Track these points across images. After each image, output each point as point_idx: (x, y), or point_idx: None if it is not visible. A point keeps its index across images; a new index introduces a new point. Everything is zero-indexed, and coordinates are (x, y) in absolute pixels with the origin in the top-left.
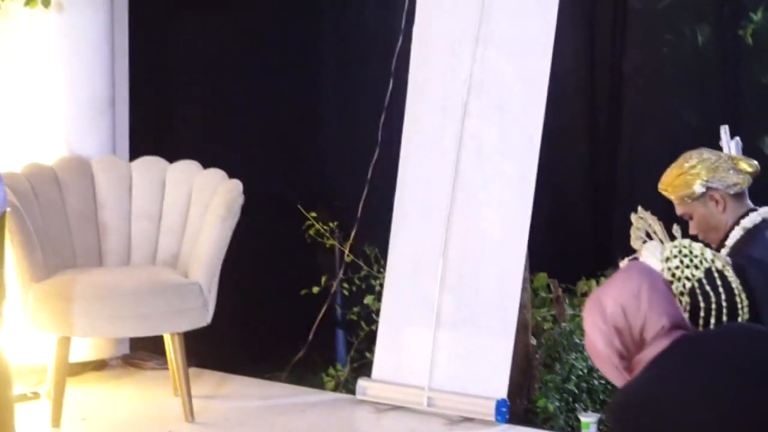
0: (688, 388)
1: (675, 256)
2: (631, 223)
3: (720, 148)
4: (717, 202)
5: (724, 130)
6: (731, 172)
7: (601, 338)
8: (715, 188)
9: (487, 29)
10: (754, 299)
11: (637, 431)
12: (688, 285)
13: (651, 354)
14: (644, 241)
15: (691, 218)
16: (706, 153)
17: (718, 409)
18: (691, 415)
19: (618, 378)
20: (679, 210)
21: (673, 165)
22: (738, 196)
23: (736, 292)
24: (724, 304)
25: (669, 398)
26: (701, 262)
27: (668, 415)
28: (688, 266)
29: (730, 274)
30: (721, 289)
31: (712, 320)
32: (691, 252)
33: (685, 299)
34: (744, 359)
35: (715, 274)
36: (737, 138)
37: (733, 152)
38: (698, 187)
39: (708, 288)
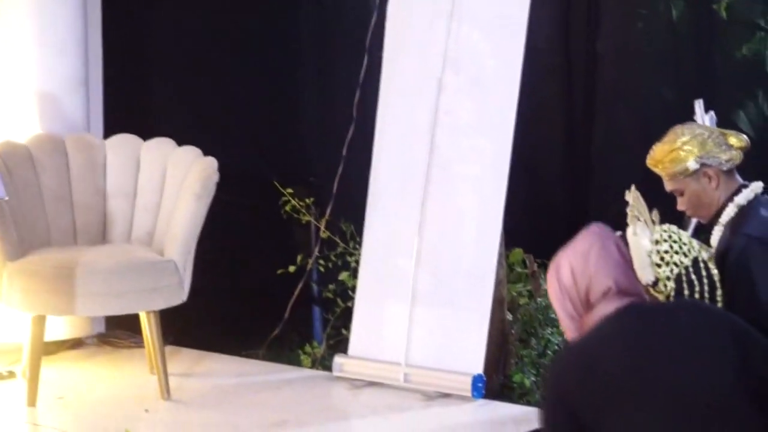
0: (626, 354)
1: (665, 240)
2: (610, 195)
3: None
4: (710, 178)
5: (699, 105)
6: (723, 147)
7: (556, 302)
8: (708, 164)
9: (461, 5)
10: (751, 281)
11: (567, 390)
12: (676, 271)
13: (597, 316)
14: (637, 218)
15: (681, 195)
16: (698, 128)
17: (651, 379)
18: (623, 382)
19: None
20: (669, 186)
21: (664, 140)
22: (730, 172)
23: (717, 285)
24: (706, 295)
25: (604, 361)
26: (689, 251)
27: (600, 378)
28: (677, 252)
29: (713, 266)
30: (705, 280)
31: None
32: (680, 239)
33: (671, 284)
34: (688, 333)
35: (701, 264)
36: (711, 112)
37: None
38: (692, 164)
39: (693, 277)
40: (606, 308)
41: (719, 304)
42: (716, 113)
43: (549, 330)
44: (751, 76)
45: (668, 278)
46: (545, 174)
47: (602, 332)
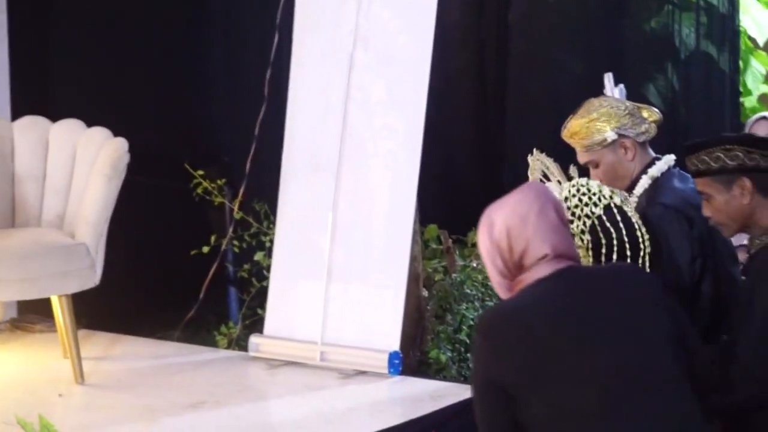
0: (557, 311)
1: (573, 195)
2: (523, 168)
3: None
4: (627, 149)
5: (608, 78)
6: (638, 120)
7: (485, 254)
8: (626, 136)
9: None
10: (670, 247)
11: (497, 343)
12: (588, 223)
13: (532, 277)
14: (541, 182)
15: (596, 166)
16: (614, 101)
17: (580, 339)
18: (549, 334)
19: (503, 295)
20: (584, 158)
21: (579, 113)
22: (644, 145)
23: (636, 226)
24: (625, 239)
25: (535, 317)
26: (600, 199)
27: (529, 332)
28: (587, 204)
29: (629, 209)
30: (621, 225)
31: (614, 255)
32: (589, 190)
33: (587, 237)
34: (622, 287)
35: (614, 210)
36: (621, 85)
37: None
38: (611, 134)
39: (608, 224)
40: (541, 271)
41: (643, 245)
42: (626, 86)
43: (464, 305)
44: (661, 49)
45: (583, 232)
46: (459, 149)
47: (536, 293)
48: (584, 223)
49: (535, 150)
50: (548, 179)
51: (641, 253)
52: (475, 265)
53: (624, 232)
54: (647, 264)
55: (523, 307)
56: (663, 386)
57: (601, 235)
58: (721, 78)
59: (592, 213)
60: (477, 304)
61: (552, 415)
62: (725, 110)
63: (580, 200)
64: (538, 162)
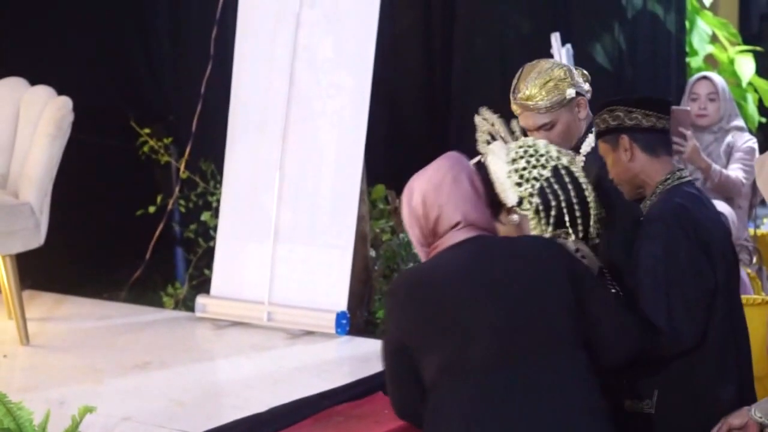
0: (458, 274)
1: (521, 157)
2: (469, 128)
3: (551, 56)
4: (580, 107)
5: (555, 38)
6: (581, 77)
7: (406, 221)
8: (581, 93)
9: None
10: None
11: (403, 305)
12: (537, 185)
13: (445, 244)
14: (488, 143)
15: (551, 128)
16: (556, 62)
17: (484, 289)
18: (448, 296)
19: (424, 261)
20: (542, 120)
21: (531, 76)
22: (588, 103)
23: (584, 186)
24: (574, 200)
25: (438, 280)
26: (547, 161)
27: (431, 294)
28: (535, 166)
29: (576, 168)
30: (570, 186)
31: (566, 217)
32: (536, 151)
33: (535, 200)
34: (524, 250)
35: (563, 171)
36: (568, 45)
37: (564, 59)
38: (571, 92)
39: (556, 186)
40: (453, 238)
41: (591, 204)
42: (573, 46)
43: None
44: (607, 8)
45: (531, 195)
46: (406, 108)
47: (443, 258)
48: (533, 186)
49: (481, 109)
50: (494, 138)
51: (591, 213)
52: None
53: (573, 193)
54: (597, 226)
55: (428, 271)
56: (553, 349)
57: (551, 197)
58: (667, 38)
59: (541, 176)
60: None
61: (446, 373)
62: (671, 70)
63: (528, 162)
64: (485, 122)
